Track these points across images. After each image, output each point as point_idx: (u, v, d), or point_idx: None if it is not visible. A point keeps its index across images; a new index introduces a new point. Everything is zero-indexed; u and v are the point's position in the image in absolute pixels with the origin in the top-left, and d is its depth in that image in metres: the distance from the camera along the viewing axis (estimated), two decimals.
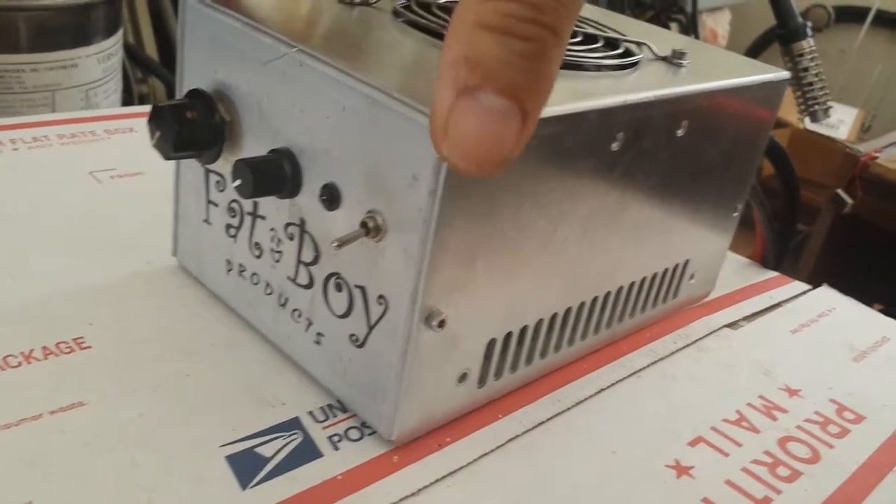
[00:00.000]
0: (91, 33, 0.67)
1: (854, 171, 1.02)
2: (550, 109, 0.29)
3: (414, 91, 0.28)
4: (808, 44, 0.86)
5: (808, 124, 0.93)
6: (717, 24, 1.86)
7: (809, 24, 0.87)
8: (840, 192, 1.01)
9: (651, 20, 1.63)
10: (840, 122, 1.84)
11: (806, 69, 0.87)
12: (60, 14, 0.64)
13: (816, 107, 0.89)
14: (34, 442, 0.30)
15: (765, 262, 0.54)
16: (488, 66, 0.21)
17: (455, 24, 0.22)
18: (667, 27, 1.61)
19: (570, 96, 0.31)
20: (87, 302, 0.38)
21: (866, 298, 0.55)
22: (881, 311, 0.52)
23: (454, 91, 0.22)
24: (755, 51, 2.01)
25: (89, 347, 0.35)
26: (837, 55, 2.12)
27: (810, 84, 0.88)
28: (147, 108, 0.33)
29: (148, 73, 0.98)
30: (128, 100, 0.82)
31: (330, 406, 0.34)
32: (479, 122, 0.22)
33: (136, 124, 0.56)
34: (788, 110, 1.11)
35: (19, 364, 0.34)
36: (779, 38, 0.87)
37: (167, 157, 0.32)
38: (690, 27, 1.63)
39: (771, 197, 0.52)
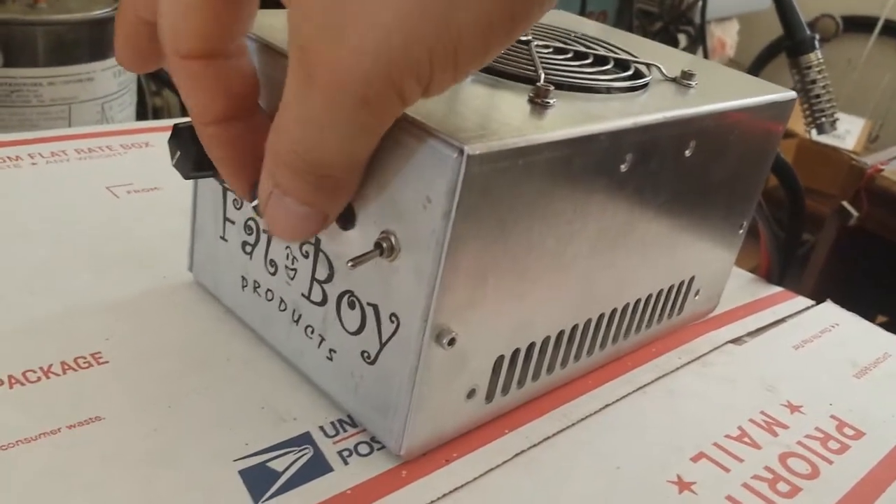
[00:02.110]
0: (107, 47, 0.68)
1: (860, 184, 1.02)
2: (561, 132, 0.30)
3: (429, 115, 0.28)
4: (815, 56, 0.86)
5: (814, 136, 0.93)
6: (726, 33, 1.86)
7: (817, 36, 0.88)
8: (845, 204, 1.01)
9: (659, 31, 1.63)
10: (847, 133, 1.84)
11: (813, 81, 0.88)
12: (77, 28, 0.65)
13: (823, 119, 0.89)
14: (53, 456, 0.31)
15: (769, 277, 0.54)
16: (287, 186, 0.26)
17: (268, 142, 0.26)
18: (675, 38, 1.61)
19: (581, 118, 0.32)
20: (104, 317, 0.39)
21: (870, 311, 0.56)
22: (885, 323, 0.53)
23: (271, 185, 0.27)
24: (763, 61, 2.02)
25: (107, 362, 0.36)
26: (845, 65, 2.12)
27: (817, 96, 0.88)
28: (163, 123, 0.33)
29: (162, 85, 0.99)
30: (142, 112, 0.82)
31: (340, 421, 0.35)
32: (286, 217, 0.27)
33: (152, 139, 0.57)
34: (795, 121, 1.11)
35: (38, 379, 0.34)
36: (786, 51, 0.88)
37: (186, 177, 0.33)
38: (699, 38, 1.63)
39: (776, 207, 0.53)
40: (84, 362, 0.36)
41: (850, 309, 0.53)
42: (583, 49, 0.40)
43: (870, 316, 0.53)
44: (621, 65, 0.40)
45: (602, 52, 0.41)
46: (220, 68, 0.27)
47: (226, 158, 0.30)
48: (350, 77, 0.22)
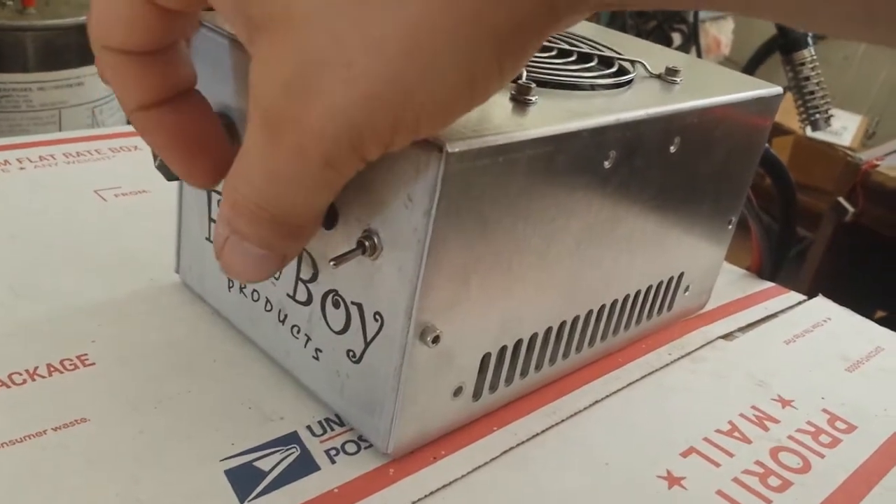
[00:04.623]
0: None
1: (856, 179, 1.02)
2: (543, 129, 0.30)
3: None
4: (808, 53, 0.86)
5: (809, 133, 0.93)
6: (721, 32, 1.86)
7: (810, 33, 0.87)
8: (841, 200, 1.01)
9: (653, 30, 1.63)
10: (843, 129, 1.84)
11: (807, 78, 0.88)
12: (67, 33, 0.65)
13: (817, 115, 0.89)
14: (38, 458, 0.31)
15: (761, 273, 0.54)
16: (247, 232, 0.26)
17: (224, 190, 0.26)
18: (669, 37, 1.61)
19: (563, 116, 0.32)
20: (91, 319, 0.39)
21: (869, 306, 0.56)
22: (883, 318, 0.52)
23: (228, 231, 0.27)
24: (758, 59, 2.02)
25: (93, 364, 0.36)
26: (841, 62, 2.12)
27: (811, 93, 0.88)
28: None
29: None
30: None
31: (328, 420, 0.35)
32: (243, 260, 0.27)
33: (141, 142, 0.57)
34: (791, 118, 1.11)
35: (24, 381, 0.34)
36: (779, 48, 0.88)
37: (170, 179, 0.33)
38: (692, 36, 1.63)
39: (772, 203, 0.52)
40: (70, 364, 0.36)
41: (848, 305, 0.53)
42: (566, 46, 0.40)
43: (869, 312, 0.53)
44: (605, 62, 0.40)
45: (586, 49, 0.41)
46: (140, 63, 0.28)
47: (157, 144, 0.30)
48: (315, 141, 0.23)
